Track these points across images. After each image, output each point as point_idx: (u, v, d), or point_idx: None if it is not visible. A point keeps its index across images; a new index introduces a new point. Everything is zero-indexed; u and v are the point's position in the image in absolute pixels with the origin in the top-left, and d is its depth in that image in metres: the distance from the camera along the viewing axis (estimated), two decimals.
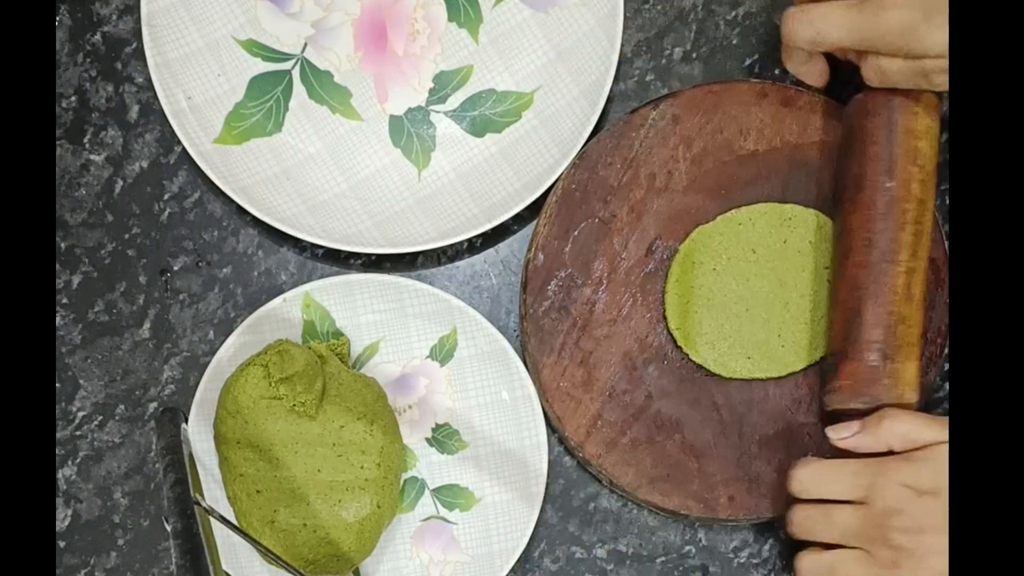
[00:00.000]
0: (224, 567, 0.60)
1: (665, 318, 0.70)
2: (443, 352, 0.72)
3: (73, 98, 0.73)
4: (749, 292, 0.70)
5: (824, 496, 0.63)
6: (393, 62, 0.73)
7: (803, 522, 0.64)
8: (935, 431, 0.61)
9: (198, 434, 0.70)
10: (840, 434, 0.64)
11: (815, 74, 0.69)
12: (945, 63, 0.61)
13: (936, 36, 0.59)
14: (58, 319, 0.72)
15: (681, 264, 0.70)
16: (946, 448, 0.60)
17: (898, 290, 0.64)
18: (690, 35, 0.74)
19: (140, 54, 0.73)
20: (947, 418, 0.62)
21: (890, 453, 0.63)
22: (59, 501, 0.72)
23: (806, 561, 0.64)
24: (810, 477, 0.64)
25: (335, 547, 0.67)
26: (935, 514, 0.59)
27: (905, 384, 0.64)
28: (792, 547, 0.72)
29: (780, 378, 0.70)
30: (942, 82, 0.62)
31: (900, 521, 0.59)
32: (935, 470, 0.59)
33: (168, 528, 0.57)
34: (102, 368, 0.72)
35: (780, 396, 0.70)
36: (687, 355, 0.70)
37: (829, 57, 0.69)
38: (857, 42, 0.62)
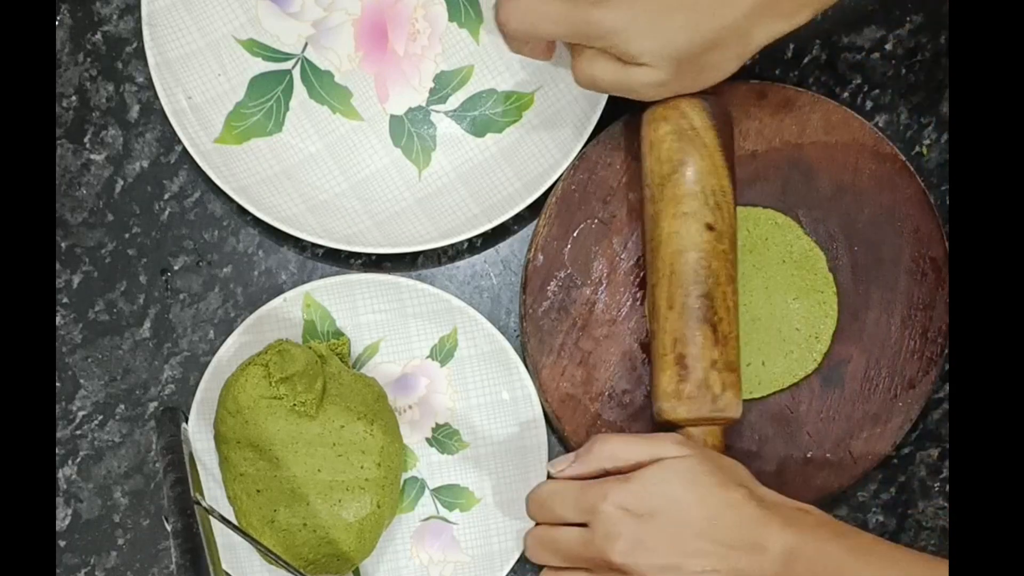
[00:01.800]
0: (224, 567, 0.60)
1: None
2: (443, 352, 0.72)
3: (73, 97, 0.73)
4: (747, 296, 0.70)
5: (554, 520, 0.63)
6: (394, 62, 0.73)
7: (534, 546, 0.64)
8: (641, 449, 0.61)
9: (198, 434, 0.70)
10: (557, 468, 0.64)
11: (539, 51, 0.66)
12: (653, 73, 0.60)
13: (644, 43, 0.59)
14: (58, 319, 0.72)
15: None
16: (656, 467, 0.60)
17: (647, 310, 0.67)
18: None
19: (140, 54, 0.73)
20: (654, 435, 0.62)
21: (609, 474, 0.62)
22: (59, 501, 0.72)
23: None
24: (540, 501, 0.63)
25: (335, 547, 0.67)
26: (652, 534, 0.59)
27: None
28: None
29: None
30: (653, 94, 0.62)
31: (619, 545, 0.59)
32: (648, 490, 0.59)
33: (168, 528, 0.57)
34: (102, 368, 0.72)
35: (780, 396, 0.70)
36: None
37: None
38: (569, 36, 0.61)
